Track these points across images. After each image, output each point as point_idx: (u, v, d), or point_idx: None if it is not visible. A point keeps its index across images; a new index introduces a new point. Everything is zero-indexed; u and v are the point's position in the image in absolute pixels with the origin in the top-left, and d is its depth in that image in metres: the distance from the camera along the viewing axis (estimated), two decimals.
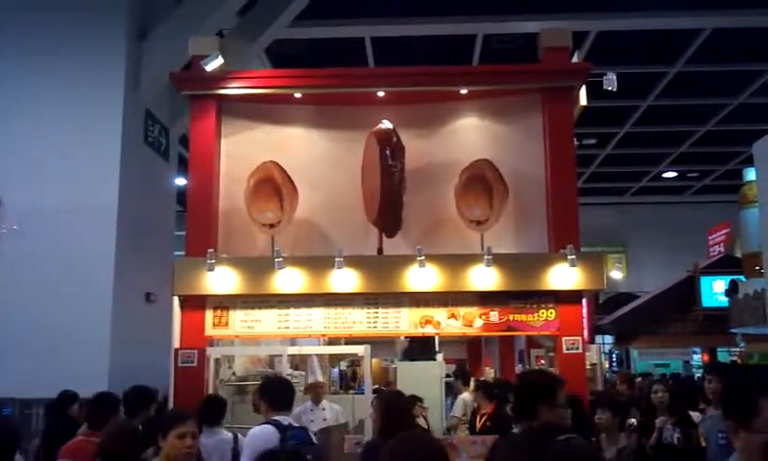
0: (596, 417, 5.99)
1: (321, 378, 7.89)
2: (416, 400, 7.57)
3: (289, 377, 7.46)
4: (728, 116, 16.68)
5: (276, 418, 4.40)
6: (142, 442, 3.96)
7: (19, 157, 10.07)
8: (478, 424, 7.96)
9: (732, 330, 14.93)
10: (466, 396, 9.14)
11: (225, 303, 7.00)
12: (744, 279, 14.43)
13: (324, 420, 7.25)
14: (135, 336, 10.10)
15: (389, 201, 6.99)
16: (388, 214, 7.08)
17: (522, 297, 6.85)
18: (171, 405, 6.92)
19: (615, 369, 19.74)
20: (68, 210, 9.76)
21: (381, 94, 7.74)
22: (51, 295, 9.51)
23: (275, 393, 4.60)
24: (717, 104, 16.23)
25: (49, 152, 10.04)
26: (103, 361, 9.42)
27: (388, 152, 6.96)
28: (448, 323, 6.90)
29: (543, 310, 6.85)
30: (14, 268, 9.69)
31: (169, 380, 7.27)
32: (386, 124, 7.18)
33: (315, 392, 7.62)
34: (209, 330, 6.99)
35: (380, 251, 7.25)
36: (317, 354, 8.31)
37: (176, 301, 7.13)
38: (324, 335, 8.13)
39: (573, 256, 6.61)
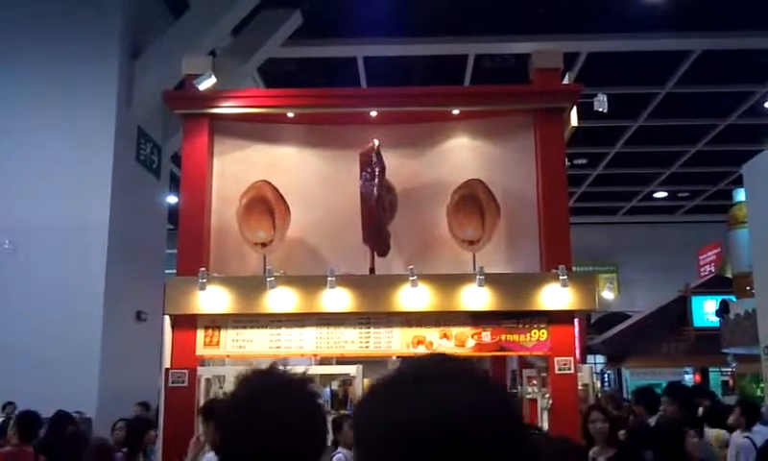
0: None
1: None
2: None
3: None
4: (717, 137, 16.82)
5: None
6: None
7: (11, 174, 10.04)
8: None
9: (724, 350, 14.96)
10: None
11: (216, 322, 6.95)
12: (735, 300, 14.47)
13: None
14: (126, 355, 10.04)
15: (366, 220, 6.97)
16: (370, 233, 7.06)
17: (514, 317, 6.84)
18: (161, 426, 6.86)
19: (607, 389, 19.71)
20: (59, 228, 9.73)
21: (373, 114, 7.77)
22: (41, 312, 9.46)
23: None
24: (707, 124, 16.37)
25: (40, 169, 10.03)
26: (93, 379, 9.36)
27: (367, 171, 6.94)
28: (440, 343, 6.87)
29: (536, 330, 6.83)
30: (5, 285, 9.64)
31: (159, 400, 7.21)
32: (374, 143, 7.17)
33: None
34: (200, 350, 6.94)
35: (372, 270, 7.23)
36: (309, 374, 8.25)
37: (167, 320, 7.09)
38: (315, 355, 8.09)
39: (565, 277, 6.62)
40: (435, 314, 6.85)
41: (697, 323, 18.49)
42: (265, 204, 7.11)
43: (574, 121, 7.68)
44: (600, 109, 7.80)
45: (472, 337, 6.86)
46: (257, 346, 6.98)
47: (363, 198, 6.90)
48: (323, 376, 9.69)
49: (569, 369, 6.75)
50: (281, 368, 1.65)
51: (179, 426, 6.66)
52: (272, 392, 1.53)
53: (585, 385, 8.23)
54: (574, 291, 6.71)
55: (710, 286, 18.78)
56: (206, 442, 4.82)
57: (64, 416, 7.17)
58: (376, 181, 6.82)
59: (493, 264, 7.08)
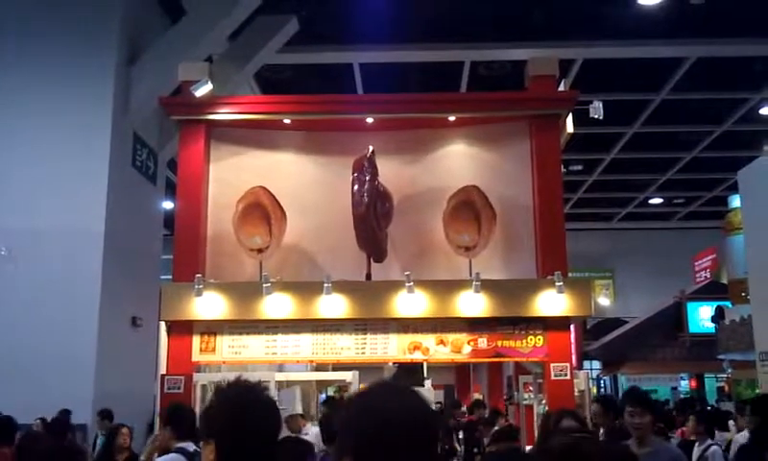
0: None
1: (299, 410, 7.79)
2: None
3: (277, 403, 7.43)
4: (713, 143, 16.86)
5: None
6: None
7: (6, 179, 10.02)
8: None
9: (719, 357, 14.98)
10: None
11: (212, 328, 6.95)
12: (730, 306, 14.49)
13: None
14: (121, 360, 10.01)
15: (357, 226, 6.97)
16: (362, 239, 7.06)
17: (511, 323, 6.85)
18: (156, 432, 6.84)
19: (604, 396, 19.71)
20: (55, 233, 9.71)
21: (370, 121, 7.78)
22: (36, 318, 9.43)
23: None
24: (702, 131, 16.42)
25: (36, 175, 10.00)
26: (88, 385, 9.33)
27: (359, 178, 6.94)
28: (437, 349, 6.88)
29: (532, 336, 6.84)
30: (0, 291, 9.62)
31: (155, 406, 7.19)
32: (368, 150, 7.17)
33: (290, 426, 7.48)
34: (196, 356, 6.93)
35: (368, 276, 7.23)
36: (305, 381, 8.25)
37: (162, 326, 7.07)
38: (311, 361, 8.08)
39: (561, 283, 6.63)
40: (431, 320, 6.85)
41: (692, 329, 18.51)
42: (261, 209, 7.11)
43: (570, 128, 7.70)
44: (595, 116, 7.82)
45: (469, 343, 6.87)
46: (253, 352, 6.98)
47: (354, 204, 6.92)
48: (318, 382, 9.69)
49: (565, 375, 6.76)
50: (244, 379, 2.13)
51: None
52: (254, 402, 2.02)
53: (581, 391, 8.22)
54: (570, 297, 6.72)
55: (706, 292, 18.81)
56: (161, 444, 4.68)
57: (62, 422, 7.15)
58: (366, 186, 6.82)
59: (489, 270, 7.09)
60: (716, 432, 7.30)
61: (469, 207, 7.09)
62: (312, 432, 7.54)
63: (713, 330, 15.18)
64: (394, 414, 1.42)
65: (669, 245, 22.86)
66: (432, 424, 1.47)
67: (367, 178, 6.87)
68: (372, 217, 6.88)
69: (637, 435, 4.24)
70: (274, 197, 7.16)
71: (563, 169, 7.97)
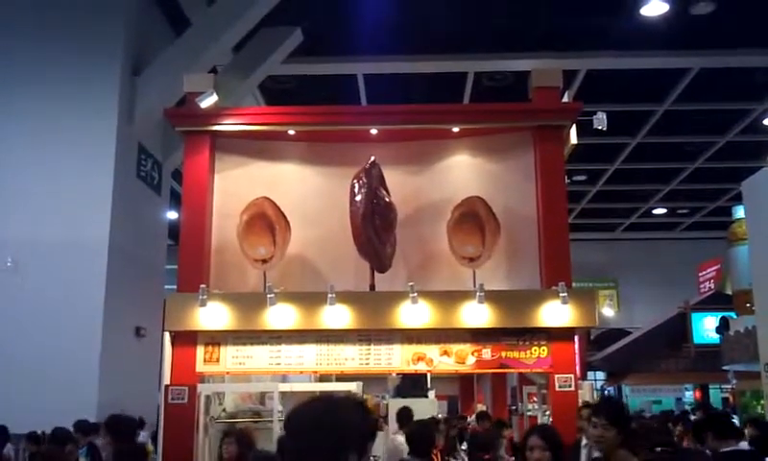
0: None
1: None
2: None
3: (279, 414, 7.43)
4: (716, 154, 16.87)
5: None
6: None
7: (11, 190, 10.06)
8: None
9: (724, 367, 14.93)
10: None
11: (216, 338, 6.95)
12: (735, 316, 14.46)
13: None
14: (124, 371, 10.02)
15: (355, 236, 6.97)
16: (361, 249, 7.07)
17: (515, 334, 6.83)
18: (160, 443, 6.84)
19: None
20: (59, 244, 9.74)
21: (374, 131, 7.79)
22: (41, 328, 9.46)
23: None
24: (705, 141, 16.43)
25: (41, 185, 10.04)
26: (92, 395, 9.34)
27: (356, 188, 6.95)
28: (441, 360, 6.87)
29: (536, 347, 6.83)
30: (5, 301, 9.64)
31: (158, 417, 7.19)
32: (369, 160, 7.17)
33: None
34: (200, 367, 6.93)
35: (372, 287, 7.23)
36: (308, 392, 8.24)
37: (167, 336, 7.07)
38: (315, 372, 8.07)
39: (565, 294, 6.62)
40: (435, 331, 6.84)
41: (697, 339, 18.47)
42: (265, 220, 7.12)
43: (573, 139, 7.69)
44: (599, 127, 7.83)
45: (473, 354, 6.86)
46: (257, 362, 6.97)
47: (352, 214, 6.94)
48: (322, 393, 9.66)
49: (570, 386, 6.74)
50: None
51: (178, 443, 6.65)
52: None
53: (585, 402, 8.19)
54: (574, 308, 6.71)
55: (710, 303, 18.78)
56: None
57: (65, 433, 7.13)
58: (362, 197, 6.83)
59: (493, 281, 7.08)
60: None
61: (473, 218, 7.08)
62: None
63: (718, 341, 15.13)
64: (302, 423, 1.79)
65: (673, 255, 22.85)
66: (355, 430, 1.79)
67: (364, 189, 6.89)
68: (370, 228, 6.86)
69: (601, 450, 3.81)
70: (278, 207, 7.17)
71: (566, 179, 7.96)
